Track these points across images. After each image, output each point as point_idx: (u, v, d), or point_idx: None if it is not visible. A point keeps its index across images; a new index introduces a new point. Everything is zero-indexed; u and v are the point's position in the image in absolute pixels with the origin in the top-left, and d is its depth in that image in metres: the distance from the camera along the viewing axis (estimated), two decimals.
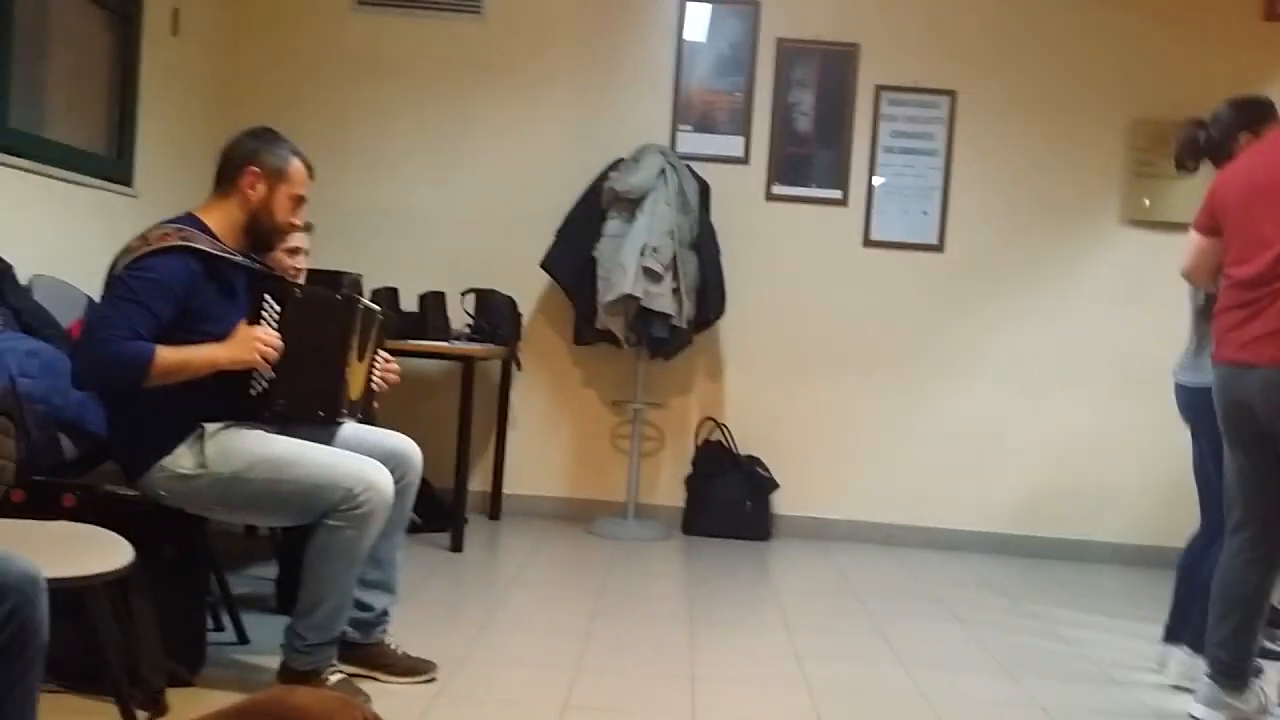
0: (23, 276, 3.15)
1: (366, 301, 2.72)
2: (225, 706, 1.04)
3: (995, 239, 5.04)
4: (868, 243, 5.05)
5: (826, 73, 5.02)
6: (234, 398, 2.46)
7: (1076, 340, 5.03)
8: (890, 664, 3.19)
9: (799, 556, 4.66)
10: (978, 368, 5.05)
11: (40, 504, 2.43)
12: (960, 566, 4.68)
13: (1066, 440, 5.04)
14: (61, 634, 2.33)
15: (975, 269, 5.05)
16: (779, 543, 4.91)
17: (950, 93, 5.01)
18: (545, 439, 5.11)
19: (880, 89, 5.02)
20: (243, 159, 2.54)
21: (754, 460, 4.99)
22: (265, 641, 2.91)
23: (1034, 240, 5.04)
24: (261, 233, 2.58)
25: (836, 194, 5.04)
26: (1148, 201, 4.97)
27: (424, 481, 2.88)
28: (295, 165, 2.60)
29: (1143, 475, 4.98)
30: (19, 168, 3.41)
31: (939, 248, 5.04)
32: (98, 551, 2.02)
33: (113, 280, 2.39)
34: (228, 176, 2.56)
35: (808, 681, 2.97)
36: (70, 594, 1.97)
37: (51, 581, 1.70)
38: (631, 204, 4.61)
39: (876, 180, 5.02)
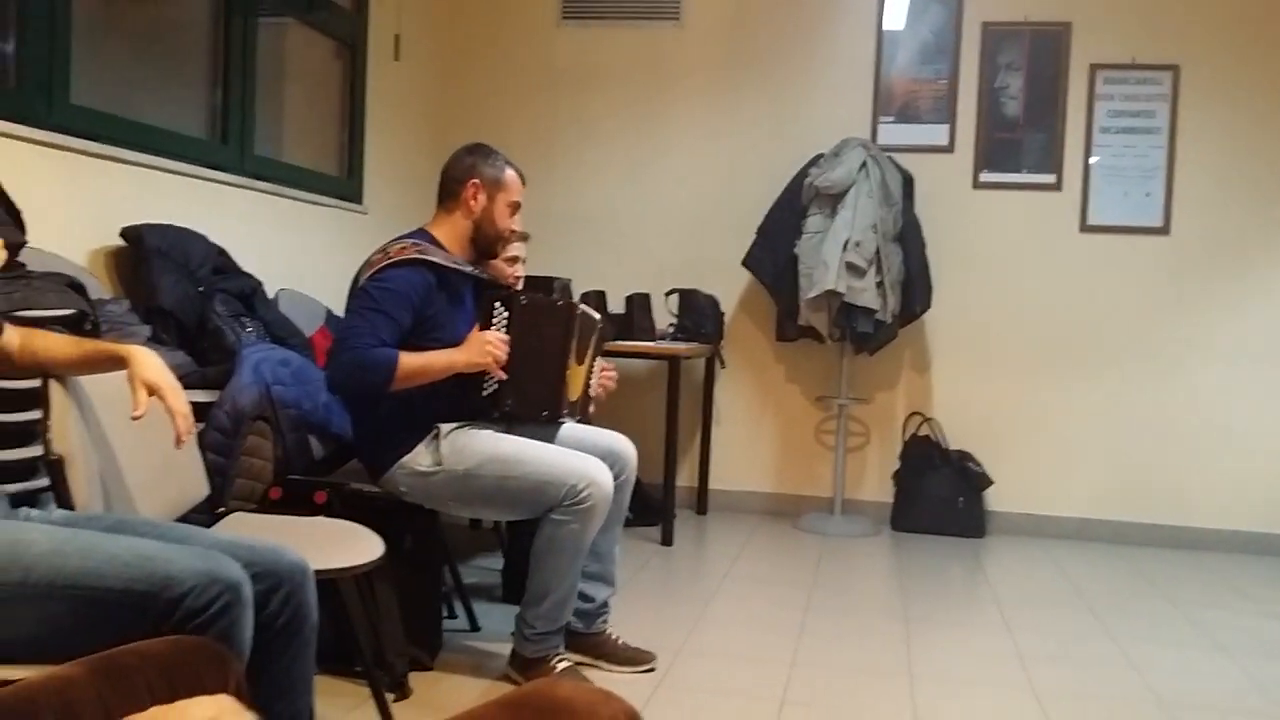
0: (269, 291, 3.43)
1: (586, 309, 2.83)
2: (493, 699, 1.10)
3: (1227, 219, 4.72)
4: (1085, 227, 4.82)
5: (1036, 54, 4.82)
6: (467, 399, 2.62)
7: None
8: (1121, 667, 3.05)
9: (1017, 554, 4.50)
10: (1211, 355, 4.74)
11: (295, 500, 2.64)
12: (1197, 566, 4.40)
13: None
14: (318, 620, 2.55)
15: (1205, 251, 4.74)
16: (994, 540, 4.76)
17: (1172, 67, 4.72)
18: (750, 435, 5.14)
19: (1095, 67, 4.78)
20: (463, 173, 2.70)
21: (965, 455, 4.85)
22: (494, 629, 3.07)
23: (1272, 218, 4.68)
24: (485, 240, 2.73)
25: (1049, 178, 4.84)
26: None
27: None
28: (510, 174, 2.74)
29: None
30: (264, 191, 3.72)
31: (1164, 230, 4.76)
32: (353, 545, 2.19)
33: (357, 292, 2.58)
34: (451, 191, 2.72)
35: (1033, 685, 2.88)
36: (327, 583, 2.14)
37: (321, 573, 1.86)
38: (833, 199, 4.57)
39: (1092, 160, 4.79)
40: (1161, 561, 4.48)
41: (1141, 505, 4.81)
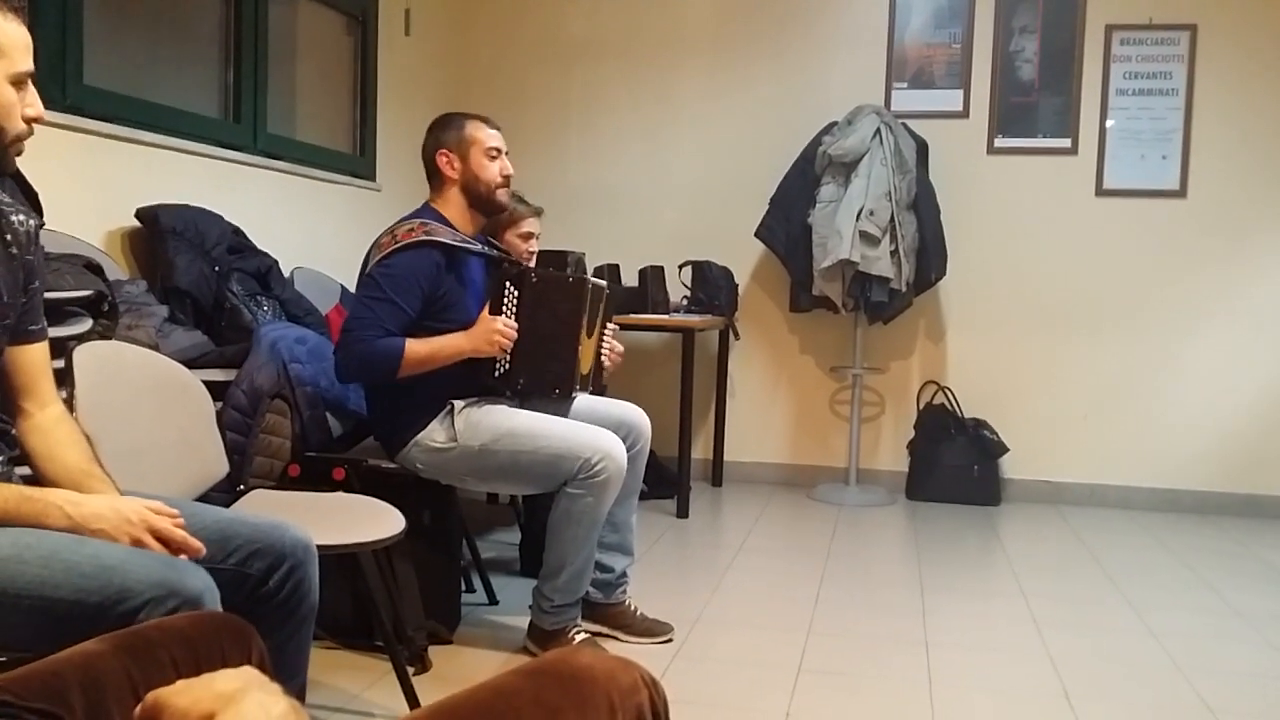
0: (284, 269, 3.45)
1: (596, 280, 2.83)
2: (513, 668, 1.12)
3: (1245, 181, 4.67)
4: (1100, 192, 4.79)
5: (1050, 16, 4.77)
6: (479, 378, 2.63)
7: None
8: (1138, 633, 3.06)
9: (1032, 521, 4.51)
10: (1226, 320, 4.71)
11: (313, 477, 2.67)
12: (1211, 530, 4.40)
13: None
14: (338, 596, 2.58)
15: (1223, 214, 4.70)
16: (1009, 508, 4.76)
17: (1190, 27, 4.66)
18: (764, 406, 5.14)
19: (1111, 28, 4.72)
20: (431, 151, 2.72)
21: (980, 423, 4.85)
22: (512, 602, 3.10)
23: None
24: (481, 198, 2.71)
25: (1065, 143, 4.80)
26: None
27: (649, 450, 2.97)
28: (471, 125, 2.72)
29: None
30: (277, 170, 3.73)
31: (1181, 193, 4.72)
32: (374, 520, 2.21)
33: (365, 279, 2.59)
34: (431, 172, 2.74)
35: (1048, 650, 2.89)
36: (346, 558, 2.17)
37: (343, 547, 1.88)
38: (846, 168, 4.55)
39: (1108, 123, 4.75)
40: (1177, 527, 4.47)
41: (1158, 471, 4.80)
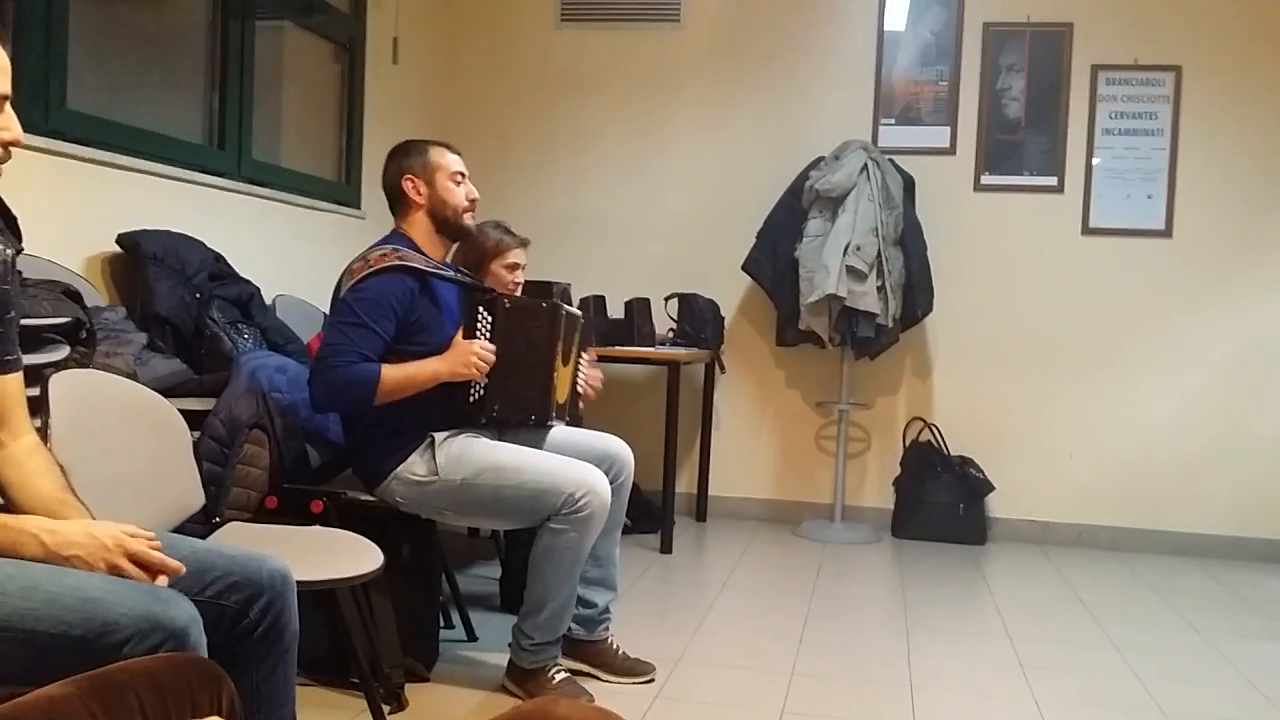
0: (266, 297, 3.41)
1: (569, 307, 2.81)
2: (493, 718, 1.09)
3: (1230, 221, 4.70)
4: (1086, 230, 4.80)
5: (1038, 55, 4.80)
6: (454, 405, 2.60)
7: None
8: (1124, 676, 3.03)
9: (1018, 562, 4.48)
10: (1213, 360, 4.72)
11: (291, 509, 2.62)
12: (1198, 573, 4.38)
13: None
14: (314, 631, 2.53)
15: (1208, 253, 4.72)
16: (995, 547, 4.73)
17: (1175, 68, 4.70)
18: (750, 441, 5.11)
19: (1097, 68, 4.76)
20: (395, 177, 2.69)
21: (967, 461, 4.83)
22: (492, 639, 3.05)
23: (1275, 220, 4.66)
24: (448, 223, 2.69)
25: (1051, 181, 4.82)
26: None
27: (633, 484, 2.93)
28: (435, 151, 2.70)
29: None
30: (262, 196, 3.70)
31: (1166, 233, 4.74)
32: (352, 555, 2.17)
33: (338, 304, 2.56)
34: (395, 198, 2.72)
35: (1033, 693, 2.85)
36: (324, 593, 2.12)
37: (320, 583, 1.84)
38: (833, 203, 4.55)
39: (1094, 161, 4.77)
40: (1164, 568, 4.45)
41: (1144, 511, 4.79)
